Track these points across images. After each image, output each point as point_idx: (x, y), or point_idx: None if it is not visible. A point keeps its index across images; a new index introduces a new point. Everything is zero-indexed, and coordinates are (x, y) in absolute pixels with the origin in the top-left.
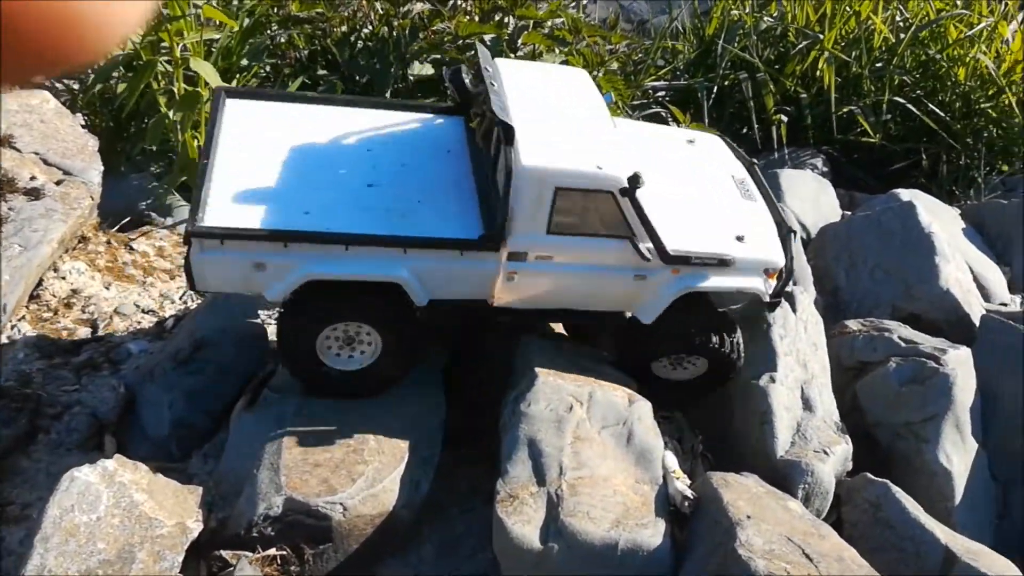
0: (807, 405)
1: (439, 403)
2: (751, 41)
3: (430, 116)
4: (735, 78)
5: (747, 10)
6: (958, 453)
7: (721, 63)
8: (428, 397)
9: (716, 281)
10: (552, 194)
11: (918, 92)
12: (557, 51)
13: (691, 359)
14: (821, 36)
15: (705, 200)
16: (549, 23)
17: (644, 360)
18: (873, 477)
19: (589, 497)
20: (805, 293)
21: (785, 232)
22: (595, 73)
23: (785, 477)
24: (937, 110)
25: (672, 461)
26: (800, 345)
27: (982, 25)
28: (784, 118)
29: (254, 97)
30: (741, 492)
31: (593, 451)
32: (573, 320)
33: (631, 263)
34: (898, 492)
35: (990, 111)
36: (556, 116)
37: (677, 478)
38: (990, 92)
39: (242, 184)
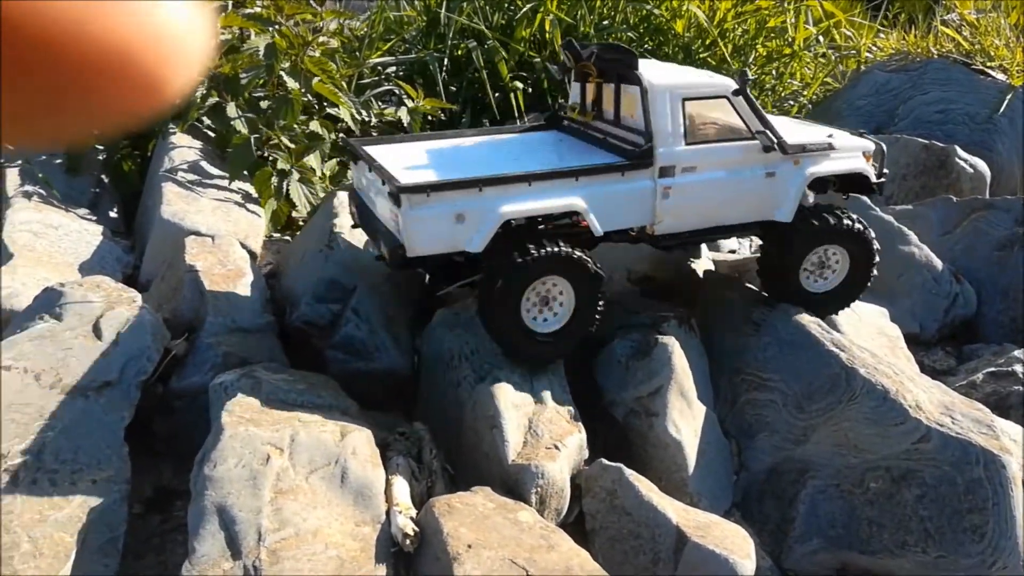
0: (537, 398)
1: (118, 471)
2: (477, 7)
3: (527, 132)
4: (466, 47)
5: None
6: (686, 421)
7: (449, 32)
8: (102, 468)
9: (830, 165)
10: (681, 105)
11: (644, 47)
12: (269, 32)
13: (832, 258)
14: None
15: (779, 121)
16: (260, 1)
17: (793, 269)
18: (607, 462)
19: (295, 560)
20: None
21: (856, 132)
22: (301, 54)
23: (517, 483)
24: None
25: (401, 490)
26: None
27: None
28: (520, 85)
29: (375, 143)
30: (465, 516)
31: (300, 503)
32: (725, 236)
33: (760, 162)
34: (631, 475)
35: (709, 60)
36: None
37: (400, 512)
38: (707, 42)
39: (409, 164)
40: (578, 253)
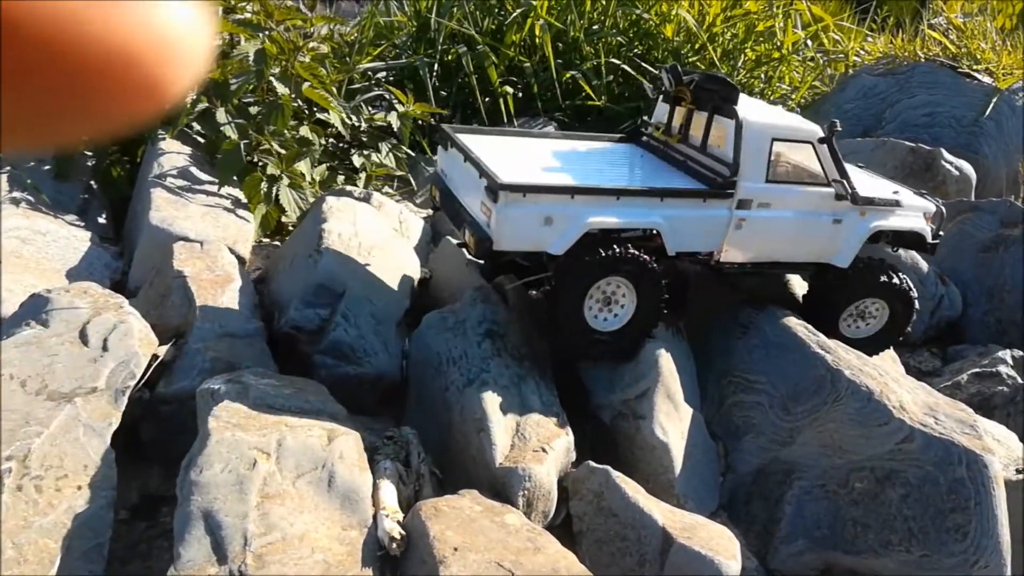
0: (525, 401)
1: (105, 478)
2: (467, 12)
3: (608, 142)
4: (456, 52)
5: None
6: (672, 423)
7: (439, 38)
8: (88, 474)
9: (893, 221)
10: (769, 145)
11: (634, 52)
12: (259, 37)
13: (873, 309)
14: (534, 3)
15: (850, 170)
16: (250, 7)
17: (835, 313)
18: (595, 465)
19: (281, 565)
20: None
21: (918, 192)
22: (291, 60)
23: (504, 486)
24: (651, 68)
25: (388, 494)
26: (514, 339)
27: None
28: (510, 89)
29: (467, 132)
30: (452, 519)
31: (287, 508)
32: (783, 272)
33: (830, 208)
34: (618, 477)
35: (699, 64)
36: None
37: (387, 515)
38: (696, 46)
39: (507, 166)
40: (644, 256)
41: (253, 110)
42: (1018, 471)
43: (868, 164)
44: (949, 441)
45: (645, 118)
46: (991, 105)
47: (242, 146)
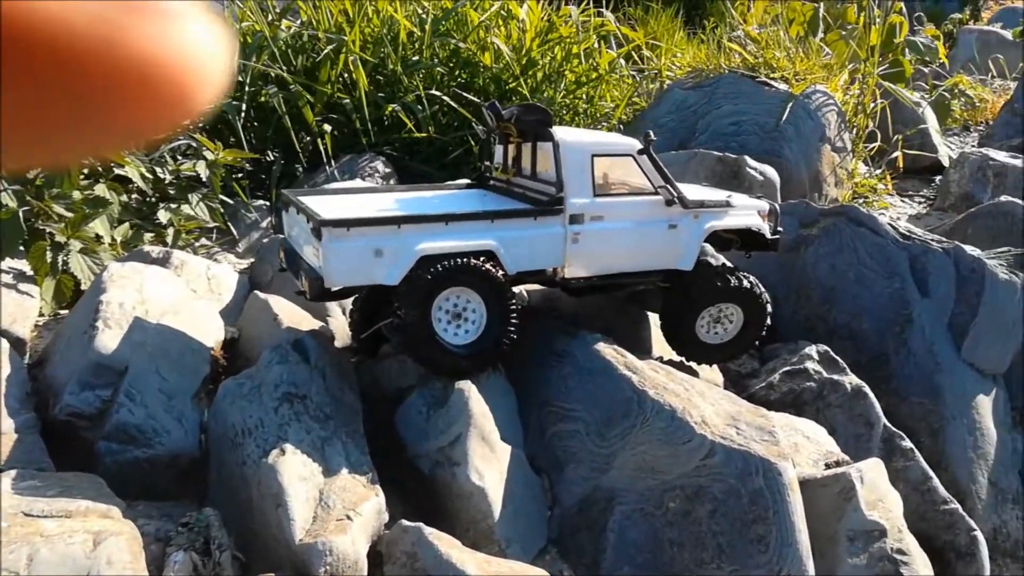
0: (329, 466)
1: None
2: (276, 51)
3: (454, 189)
4: (267, 93)
5: (267, 19)
6: (489, 465)
7: (247, 79)
8: None
9: (728, 220)
10: (590, 161)
11: (457, 81)
12: None
13: (727, 312)
14: (346, 38)
15: (686, 186)
16: None
17: (689, 320)
18: (407, 523)
19: None
20: (327, 329)
21: (755, 196)
22: None
23: (305, 564)
24: (472, 97)
25: None
26: (317, 399)
27: (493, 8)
28: (328, 127)
29: (311, 194)
30: None
31: None
32: (631, 282)
33: (663, 215)
34: (431, 533)
35: (520, 88)
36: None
37: None
38: (516, 72)
39: (335, 207)
40: (483, 264)
41: (32, 173)
42: (827, 466)
43: (683, 175)
44: (747, 452)
45: (487, 163)
46: (787, 110)
47: (21, 214)
